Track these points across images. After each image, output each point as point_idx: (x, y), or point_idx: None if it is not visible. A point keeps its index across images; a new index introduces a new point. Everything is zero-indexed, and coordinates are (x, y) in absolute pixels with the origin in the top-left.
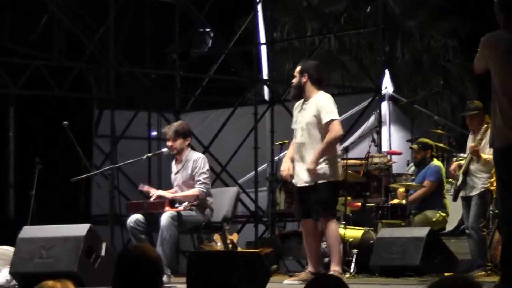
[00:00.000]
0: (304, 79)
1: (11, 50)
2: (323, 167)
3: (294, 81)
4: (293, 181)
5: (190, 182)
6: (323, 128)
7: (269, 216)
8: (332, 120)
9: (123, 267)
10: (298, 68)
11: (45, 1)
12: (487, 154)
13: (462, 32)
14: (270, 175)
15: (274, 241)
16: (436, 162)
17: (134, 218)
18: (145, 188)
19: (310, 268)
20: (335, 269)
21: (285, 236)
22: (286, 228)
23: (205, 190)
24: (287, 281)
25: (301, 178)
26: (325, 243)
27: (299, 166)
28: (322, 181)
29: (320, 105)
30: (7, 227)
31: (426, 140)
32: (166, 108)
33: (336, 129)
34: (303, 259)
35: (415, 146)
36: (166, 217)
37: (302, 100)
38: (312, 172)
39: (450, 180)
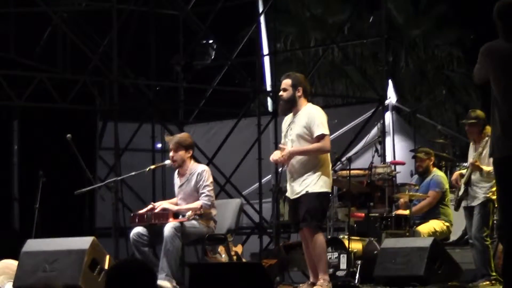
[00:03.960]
0: (298, 93)
1: (16, 63)
2: (313, 177)
3: (285, 94)
4: (287, 194)
5: (194, 194)
6: (313, 140)
7: (274, 227)
8: (323, 135)
9: (113, 283)
10: (289, 82)
11: (49, 14)
12: (488, 165)
13: (466, 41)
14: (274, 186)
15: (278, 252)
16: (438, 172)
17: (137, 230)
18: (150, 206)
19: (311, 279)
20: (324, 277)
21: (289, 247)
22: (291, 239)
23: (209, 203)
24: None
25: (293, 190)
26: (329, 253)
27: (291, 179)
28: (312, 190)
29: (311, 117)
30: (12, 240)
31: (426, 148)
32: (170, 120)
33: (326, 144)
34: (308, 270)
35: (420, 154)
36: (169, 228)
37: (291, 114)
38: (286, 155)
39: (453, 189)
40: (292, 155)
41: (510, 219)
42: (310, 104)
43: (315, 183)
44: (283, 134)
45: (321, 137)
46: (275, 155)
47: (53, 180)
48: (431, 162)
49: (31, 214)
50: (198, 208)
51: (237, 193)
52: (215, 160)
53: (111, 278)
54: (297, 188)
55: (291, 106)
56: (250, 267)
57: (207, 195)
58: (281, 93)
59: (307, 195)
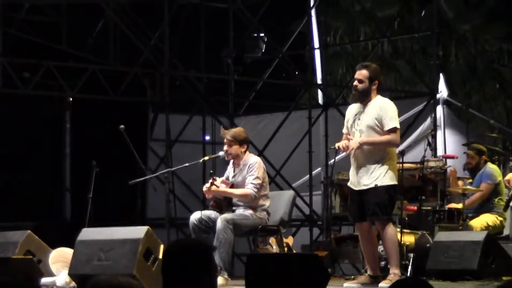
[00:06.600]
0: (373, 87)
1: (68, 54)
2: (381, 170)
3: (360, 86)
4: (349, 184)
5: (244, 185)
6: (384, 133)
7: (324, 219)
8: (395, 128)
9: (171, 257)
10: (367, 74)
11: (101, 6)
12: None
13: None
14: (324, 179)
15: (329, 245)
16: (490, 165)
17: (198, 216)
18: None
19: (369, 271)
20: (395, 272)
21: (340, 240)
22: (341, 231)
23: (254, 193)
24: (347, 284)
25: (360, 181)
26: (381, 246)
27: (357, 170)
28: (381, 184)
29: (384, 109)
30: (64, 230)
31: (480, 146)
32: (220, 112)
33: (396, 137)
34: (359, 262)
35: (471, 152)
36: (221, 220)
37: (358, 103)
38: (356, 144)
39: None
40: (361, 145)
41: None
42: (380, 96)
43: (383, 176)
44: (347, 123)
45: (392, 130)
46: (343, 142)
47: (105, 170)
48: (482, 160)
49: (83, 204)
50: (246, 195)
51: (287, 185)
52: (266, 153)
53: (168, 253)
54: (364, 180)
55: (364, 97)
56: (307, 258)
57: (253, 184)
58: (355, 83)
59: (376, 188)
